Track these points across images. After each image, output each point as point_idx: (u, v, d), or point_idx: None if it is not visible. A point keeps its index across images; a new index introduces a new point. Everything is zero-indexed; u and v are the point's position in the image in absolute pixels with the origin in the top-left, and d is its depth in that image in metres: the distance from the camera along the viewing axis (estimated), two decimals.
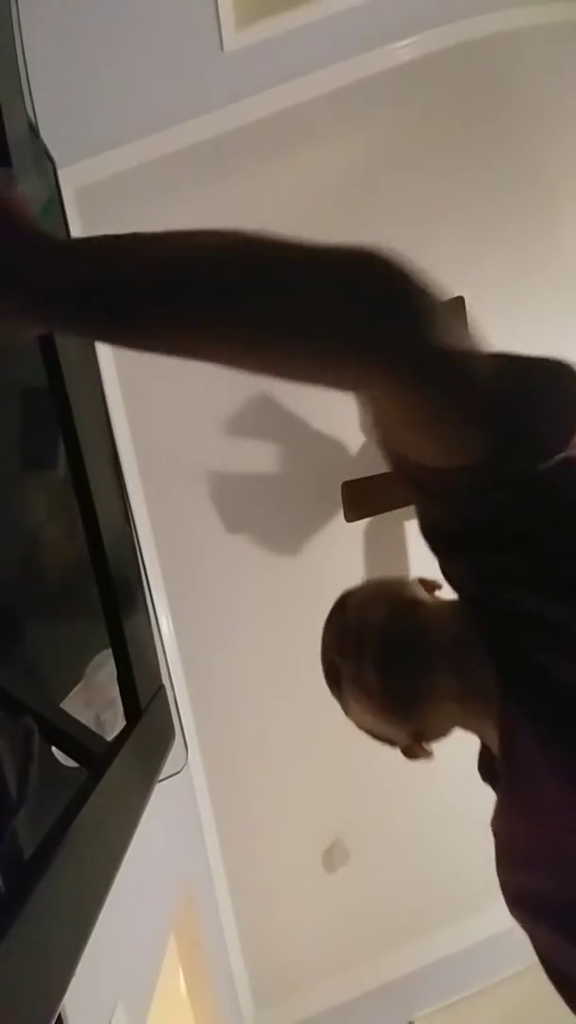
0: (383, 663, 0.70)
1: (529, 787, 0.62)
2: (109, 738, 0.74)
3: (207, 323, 0.49)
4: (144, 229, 0.49)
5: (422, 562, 2.64)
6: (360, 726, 0.80)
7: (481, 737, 0.71)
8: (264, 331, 0.48)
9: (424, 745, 0.77)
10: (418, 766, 0.81)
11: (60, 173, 2.18)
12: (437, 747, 0.77)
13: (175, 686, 2.45)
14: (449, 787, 2.66)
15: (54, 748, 0.74)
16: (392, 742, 0.79)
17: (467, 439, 0.52)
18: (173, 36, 2.10)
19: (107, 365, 2.42)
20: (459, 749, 0.78)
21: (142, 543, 2.44)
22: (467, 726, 0.72)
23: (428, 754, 0.78)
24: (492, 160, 2.50)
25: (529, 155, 2.52)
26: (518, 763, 0.62)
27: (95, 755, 0.69)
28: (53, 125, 1.89)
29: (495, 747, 0.65)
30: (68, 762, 0.72)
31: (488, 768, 0.71)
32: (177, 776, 1.92)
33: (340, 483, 2.24)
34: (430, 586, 0.80)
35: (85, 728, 0.76)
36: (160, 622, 2.46)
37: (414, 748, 0.77)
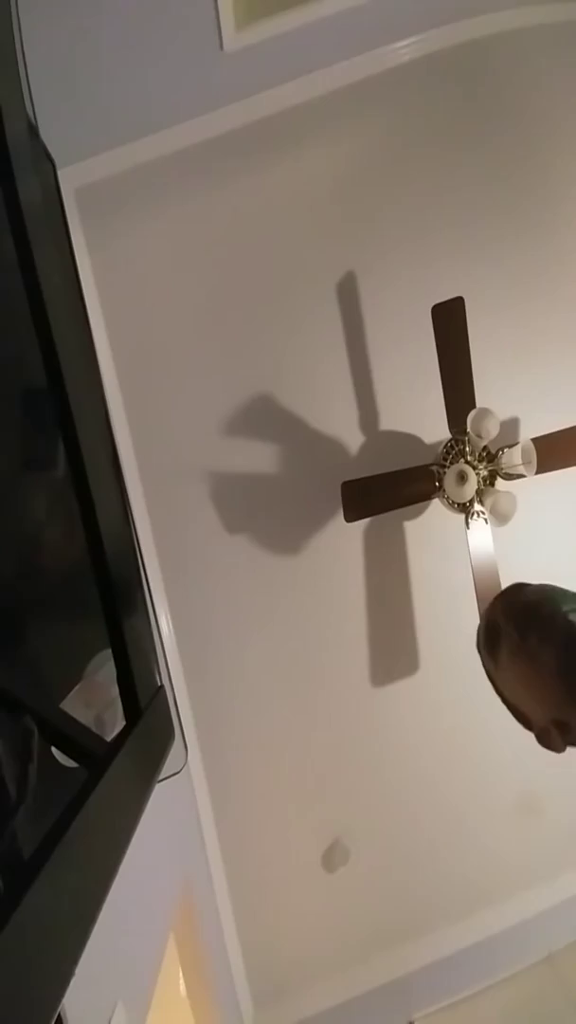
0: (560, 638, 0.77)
1: None
2: (109, 738, 0.74)
3: None
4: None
5: (422, 562, 2.65)
6: (502, 691, 0.84)
7: None
8: None
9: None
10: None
11: (60, 173, 2.19)
12: (435, 748, 0.77)
13: (175, 686, 2.45)
14: (449, 787, 2.66)
15: (54, 748, 0.74)
16: (528, 721, 0.81)
17: None
18: (173, 36, 2.09)
19: (107, 365, 2.42)
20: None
21: (142, 543, 2.44)
22: None
23: (560, 747, 0.78)
24: (493, 159, 2.50)
25: (530, 154, 2.52)
26: None
27: (95, 755, 0.69)
28: (53, 125, 1.89)
29: None
30: (68, 762, 0.72)
31: None
32: (177, 776, 1.92)
33: (340, 483, 2.24)
34: None
35: (85, 728, 0.76)
36: (160, 622, 2.46)
37: (550, 734, 0.78)
